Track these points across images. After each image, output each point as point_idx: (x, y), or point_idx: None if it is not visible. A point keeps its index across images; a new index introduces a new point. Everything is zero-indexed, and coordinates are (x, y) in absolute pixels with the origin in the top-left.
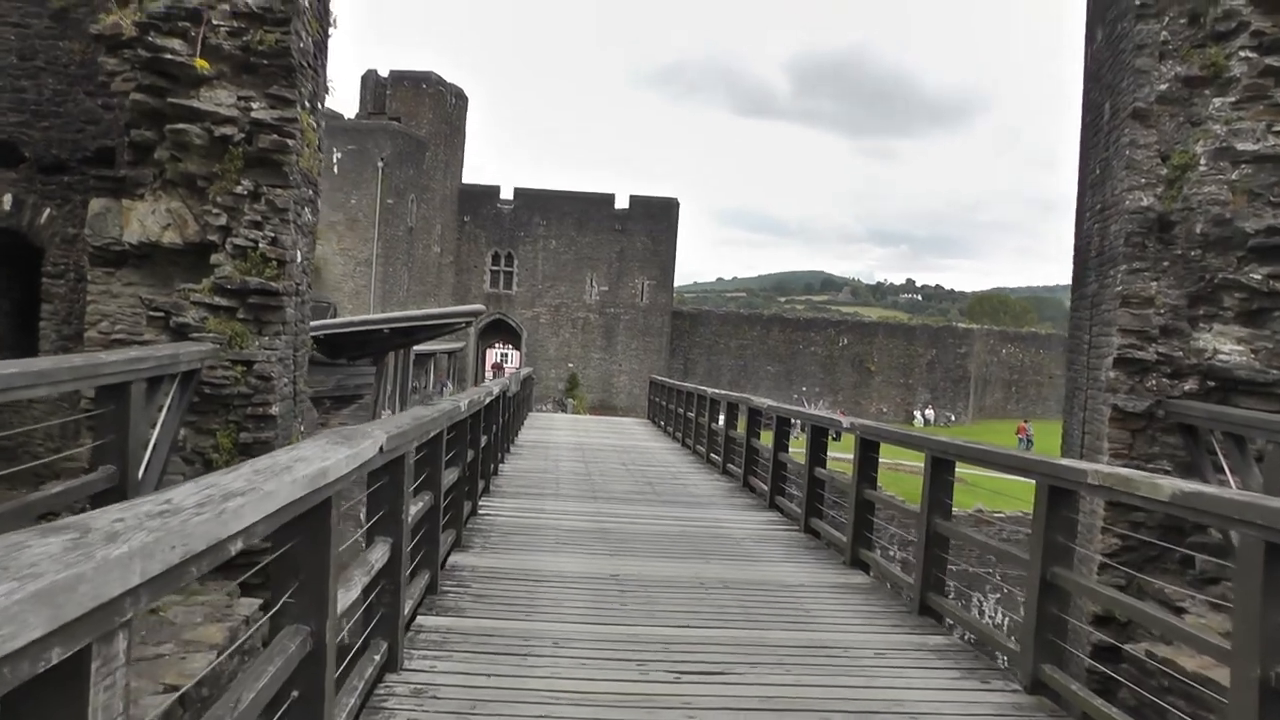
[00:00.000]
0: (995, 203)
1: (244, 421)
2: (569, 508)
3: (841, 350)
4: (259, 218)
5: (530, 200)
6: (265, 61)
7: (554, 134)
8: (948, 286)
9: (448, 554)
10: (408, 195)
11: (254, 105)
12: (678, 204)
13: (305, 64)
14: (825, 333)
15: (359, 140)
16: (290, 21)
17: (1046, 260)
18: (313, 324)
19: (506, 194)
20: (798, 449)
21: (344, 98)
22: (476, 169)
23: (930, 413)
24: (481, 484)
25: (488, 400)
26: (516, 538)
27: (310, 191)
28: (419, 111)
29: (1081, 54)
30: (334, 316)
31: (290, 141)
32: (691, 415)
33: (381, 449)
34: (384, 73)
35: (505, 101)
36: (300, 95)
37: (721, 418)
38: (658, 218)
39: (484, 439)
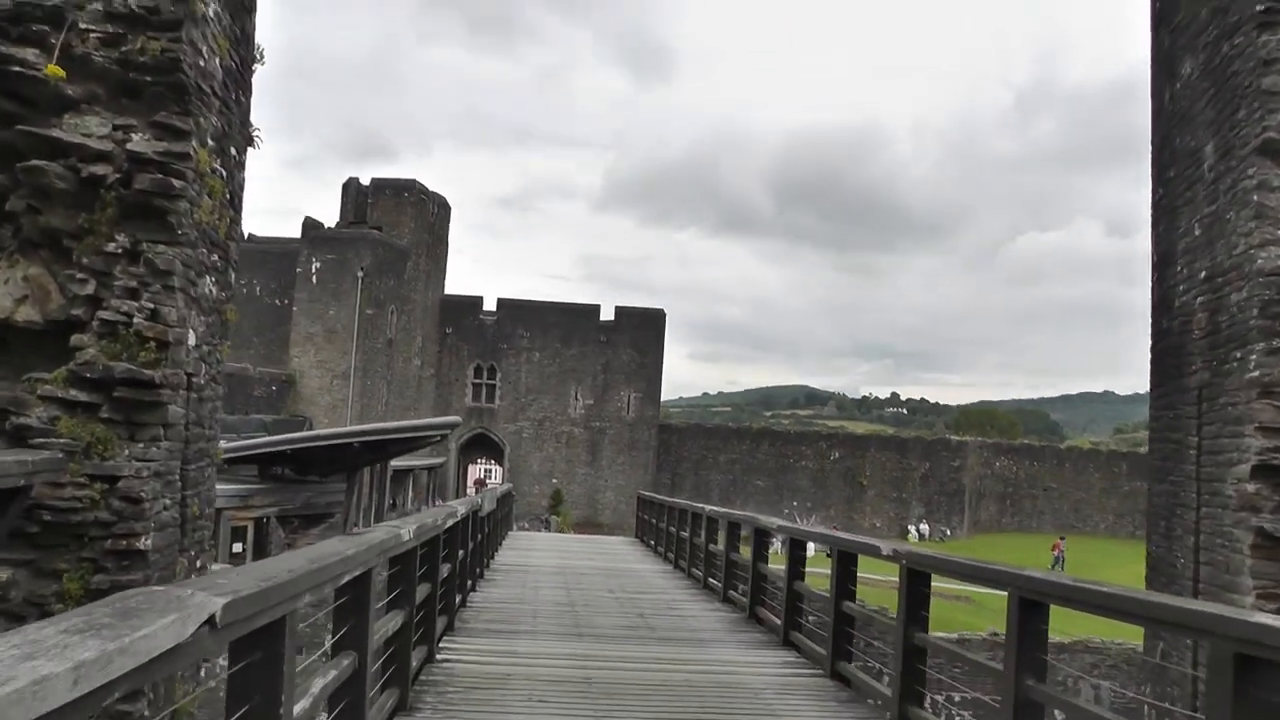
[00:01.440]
0: (975, 317)
1: (103, 559)
2: (547, 649)
3: (833, 464)
4: (135, 283)
5: (514, 312)
6: (149, 79)
7: (535, 247)
8: (933, 400)
9: None
10: (388, 306)
11: (134, 136)
12: (664, 315)
13: (208, 89)
14: (816, 446)
15: (339, 250)
16: (182, 26)
17: (1029, 373)
18: (279, 438)
19: (490, 305)
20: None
21: (325, 208)
22: (459, 280)
23: (925, 527)
24: (443, 621)
25: (449, 524)
26: (479, 694)
27: (215, 257)
28: (401, 221)
29: (1149, 101)
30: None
31: (178, 183)
32: (685, 534)
33: (213, 623)
34: (365, 181)
35: (490, 212)
36: (198, 127)
37: (721, 538)
38: (644, 329)
39: (445, 568)
